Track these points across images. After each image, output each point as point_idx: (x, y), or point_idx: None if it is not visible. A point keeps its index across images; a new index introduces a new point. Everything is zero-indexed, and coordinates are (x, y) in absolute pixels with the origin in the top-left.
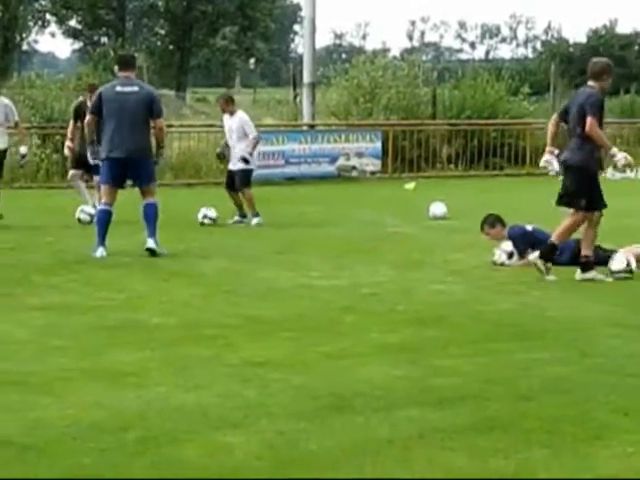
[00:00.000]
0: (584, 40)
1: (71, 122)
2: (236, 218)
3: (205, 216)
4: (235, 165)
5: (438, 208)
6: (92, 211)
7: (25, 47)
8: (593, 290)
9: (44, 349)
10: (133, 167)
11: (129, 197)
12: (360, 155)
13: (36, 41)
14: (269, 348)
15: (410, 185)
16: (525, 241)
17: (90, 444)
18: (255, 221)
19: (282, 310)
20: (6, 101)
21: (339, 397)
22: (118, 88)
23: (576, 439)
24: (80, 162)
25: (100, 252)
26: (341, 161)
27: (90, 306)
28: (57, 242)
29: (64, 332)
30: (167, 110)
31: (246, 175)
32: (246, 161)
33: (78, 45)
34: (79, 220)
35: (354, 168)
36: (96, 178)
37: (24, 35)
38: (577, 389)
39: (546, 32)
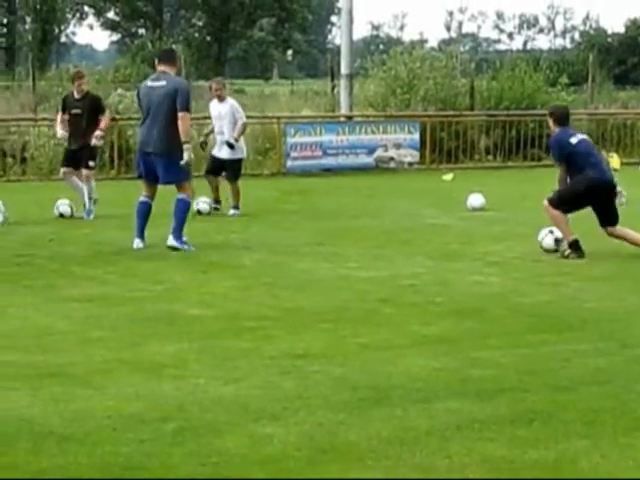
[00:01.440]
0: (622, 30)
1: (59, 113)
2: (213, 205)
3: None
4: (220, 151)
5: (476, 199)
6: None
7: (63, 39)
8: (633, 280)
9: (84, 340)
10: (158, 162)
11: (169, 189)
12: (398, 146)
13: (74, 33)
14: (308, 340)
15: (448, 176)
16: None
17: (129, 435)
18: (232, 212)
19: (321, 302)
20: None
21: (378, 389)
22: (149, 82)
23: (616, 430)
24: (69, 158)
25: (137, 243)
26: (379, 152)
27: (129, 297)
28: (95, 234)
29: (104, 323)
30: (204, 102)
31: (239, 166)
32: (231, 146)
33: (116, 37)
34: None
35: (392, 159)
36: (85, 172)
37: (62, 27)
38: (617, 380)
39: (584, 22)
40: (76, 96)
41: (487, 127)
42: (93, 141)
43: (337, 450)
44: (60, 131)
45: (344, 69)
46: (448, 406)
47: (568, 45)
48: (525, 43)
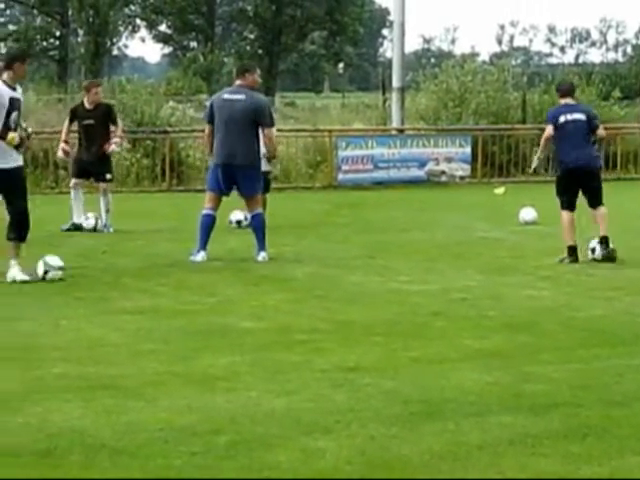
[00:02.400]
0: None
1: (66, 122)
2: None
3: (232, 221)
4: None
5: (528, 213)
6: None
7: (115, 52)
8: None
9: (136, 353)
10: (236, 175)
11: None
12: (449, 160)
13: (126, 46)
14: (359, 353)
15: (500, 190)
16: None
17: (181, 447)
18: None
19: (372, 315)
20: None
21: (430, 402)
22: (226, 95)
23: None
24: (82, 169)
25: (201, 256)
26: (430, 166)
27: (181, 310)
28: (147, 246)
29: (156, 336)
30: None
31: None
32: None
33: (168, 50)
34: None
35: (443, 173)
36: (102, 185)
37: (115, 40)
38: None
39: (637, 36)
40: (88, 106)
41: (539, 141)
42: (112, 147)
43: (389, 465)
44: (60, 153)
45: (396, 82)
46: (501, 421)
47: (620, 59)
48: (577, 57)
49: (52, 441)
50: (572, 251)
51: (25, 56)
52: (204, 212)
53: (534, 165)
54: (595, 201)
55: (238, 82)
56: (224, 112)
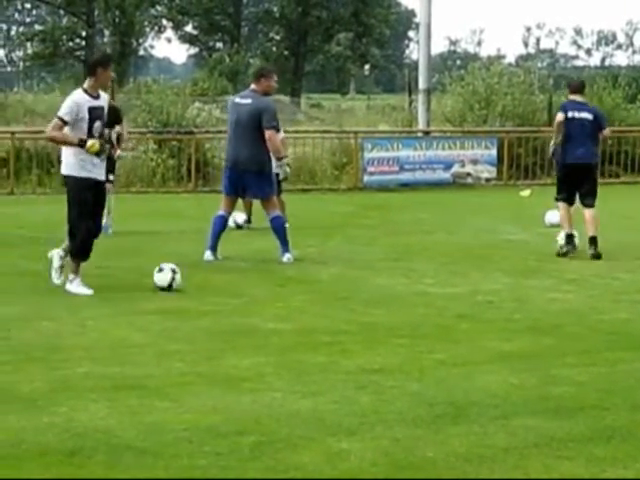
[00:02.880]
0: None
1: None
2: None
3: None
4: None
5: (554, 216)
6: None
7: (141, 52)
8: None
9: (161, 353)
10: (244, 178)
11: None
12: (475, 162)
13: (152, 46)
14: (384, 355)
15: (525, 192)
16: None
17: (206, 448)
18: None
19: (397, 317)
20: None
21: (455, 405)
22: (237, 99)
23: None
24: None
25: (207, 256)
26: (456, 168)
27: (205, 311)
28: (173, 246)
29: (180, 336)
30: (282, 115)
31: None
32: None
33: (193, 51)
34: None
35: (469, 175)
36: (106, 185)
37: (140, 41)
38: None
39: None
40: None
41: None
42: (118, 152)
43: (414, 466)
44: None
45: (422, 84)
46: (526, 423)
47: None
48: (603, 59)
49: (77, 441)
50: (570, 239)
51: (107, 61)
52: (218, 213)
53: (551, 150)
54: (589, 200)
55: (252, 86)
56: (233, 116)
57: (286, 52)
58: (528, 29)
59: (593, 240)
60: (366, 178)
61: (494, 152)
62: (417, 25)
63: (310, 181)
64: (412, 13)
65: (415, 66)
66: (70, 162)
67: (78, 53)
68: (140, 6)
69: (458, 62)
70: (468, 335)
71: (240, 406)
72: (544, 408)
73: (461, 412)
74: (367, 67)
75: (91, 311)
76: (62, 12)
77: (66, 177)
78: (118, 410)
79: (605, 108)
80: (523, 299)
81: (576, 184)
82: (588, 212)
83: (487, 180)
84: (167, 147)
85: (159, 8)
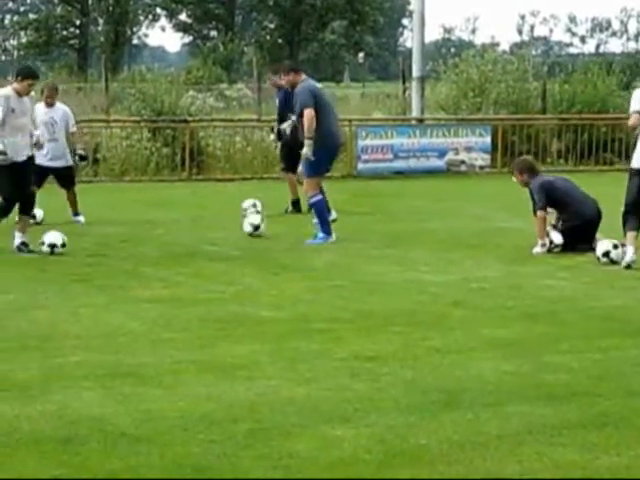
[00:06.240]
0: None
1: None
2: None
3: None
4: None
5: None
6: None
7: (135, 41)
8: None
9: (155, 341)
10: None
11: (240, 190)
12: (469, 149)
13: (146, 35)
14: (378, 342)
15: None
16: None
17: (200, 435)
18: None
19: (391, 304)
20: (66, 108)
21: (448, 392)
22: (316, 85)
23: None
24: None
25: (334, 237)
26: (450, 155)
27: (200, 299)
28: (166, 235)
29: (175, 324)
30: (276, 104)
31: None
32: (83, 158)
33: (188, 39)
34: None
35: (463, 162)
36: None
37: (134, 29)
38: None
39: None
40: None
41: (559, 131)
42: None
43: (408, 454)
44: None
45: (416, 72)
46: (519, 410)
47: None
48: (597, 46)
49: (72, 429)
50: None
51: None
52: (316, 197)
53: None
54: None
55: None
56: (322, 99)
57: (280, 40)
58: (522, 17)
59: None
60: (360, 166)
61: (488, 140)
62: (411, 13)
63: None
64: (406, 1)
65: (409, 54)
66: None
67: (72, 42)
68: None
69: (452, 50)
70: (462, 322)
71: (234, 394)
72: (537, 395)
73: (455, 399)
74: (361, 55)
75: (85, 299)
76: (56, 1)
77: None
78: (112, 398)
79: (599, 95)
80: (517, 286)
81: None
82: None
83: (481, 168)
84: (161, 136)
85: None
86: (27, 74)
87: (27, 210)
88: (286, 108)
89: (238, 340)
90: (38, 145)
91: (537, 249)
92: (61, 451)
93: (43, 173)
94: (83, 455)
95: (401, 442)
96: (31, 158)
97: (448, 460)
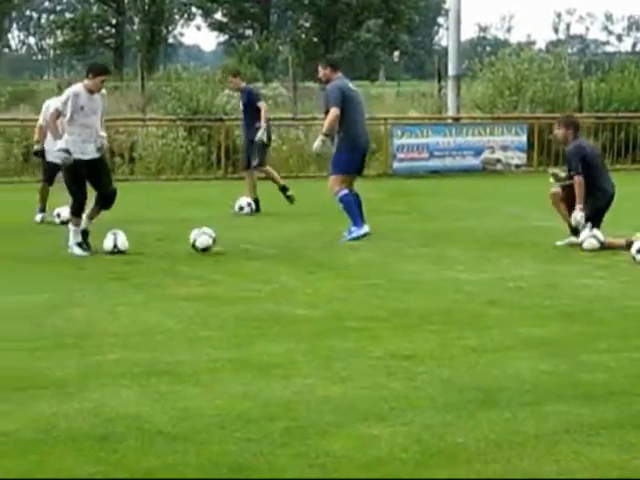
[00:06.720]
0: None
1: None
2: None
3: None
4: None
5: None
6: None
7: (171, 40)
8: None
9: (192, 339)
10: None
11: (272, 189)
12: (505, 148)
13: (182, 34)
14: (414, 341)
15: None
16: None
17: (237, 434)
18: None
19: (427, 303)
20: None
21: (485, 391)
22: (348, 85)
23: None
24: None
25: (366, 229)
26: (486, 154)
27: (236, 297)
28: None
29: (212, 322)
30: (312, 103)
31: None
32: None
33: (223, 38)
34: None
35: (499, 161)
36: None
37: (170, 28)
38: None
39: None
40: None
41: (595, 129)
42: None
43: (444, 453)
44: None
45: (451, 71)
46: (557, 409)
47: None
48: (634, 45)
49: (109, 426)
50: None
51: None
52: (342, 192)
53: None
54: None
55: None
56: (356, 98)
57: (315, 39)
58: (558, 15)
59: None
60: (395, 165)
61: (524, 138)
62: (447, 11)
63: None
64: None
65: (445, 52)
66: None
67: (108, 41)
68: None
69: (488, 48)
70: (498, 321)
71: (270, 392)
72: (575, 394)
73: (492, 398)
74: (396, 54)
75: (122, 297)
76: (92, 0)
77: None
78: (149, 396)
79: (636, 94)
80: (554, 285)
81: None
82: None
83: (517, 166)
84: (197, 134)
85: None
86: (100, 70)
87: (106, 206)
88: (250, 109)
89: (274, 338)
90: (101, 150)
91: (578, 215)
92: (98, 449)
93: (53, 170)
94: (120, 453)
95: (438, 441)
96: (102, 157)
97: (485, 459)
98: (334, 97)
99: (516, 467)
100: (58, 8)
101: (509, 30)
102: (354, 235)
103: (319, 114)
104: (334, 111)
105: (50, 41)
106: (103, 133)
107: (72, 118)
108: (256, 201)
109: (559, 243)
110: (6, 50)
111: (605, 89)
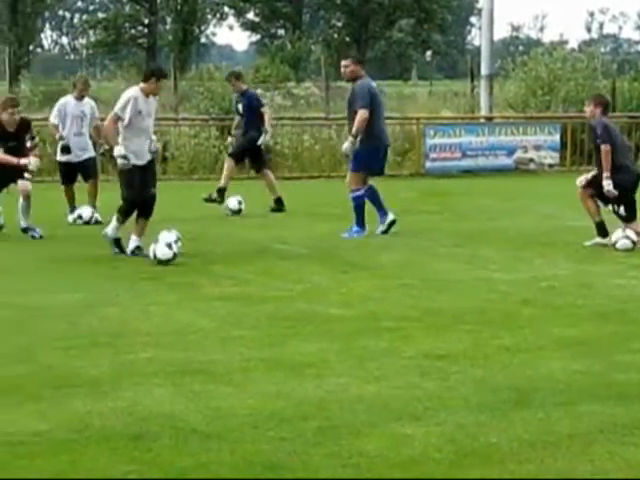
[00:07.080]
0: None
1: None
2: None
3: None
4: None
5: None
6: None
7: (203, 40)
8: None
9: (225, 339)
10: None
11: (304, 189)
12: (538, 148)
13: (214, 34)
14: (448, 341)
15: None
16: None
17: (270, 433)
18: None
19: (460, 303)
20: (93, 102)
21: (519, 391)
22: (373, 84)
23: None
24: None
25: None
26: (519, 154)
27: (269, 296)
28: (236, 233)
29: (244, 322)
30: (344, 103)
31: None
32: (103, 154)
33: (255, 38)
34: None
35: (532, 161)
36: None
37: (202, 28)
38: None
39: None
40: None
41: (628, 129)
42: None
43: (478, 453)
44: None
45: (484, 70)
46: (591, 409)
47: None
48: None
49: (142, 425)
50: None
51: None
52: (359, 191)
53: None
54: None
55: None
56: (378, 97)
57: (348, 39)
58: (591, 14)
59: None
60: (428, 164)
61: (557, 138)
62: (479, 11)
63: None
64: None
65: (477, 52)
66: None
67: (140, 41)
68: None
69: (520, 48)
70: (532, 321)
71: (303, 391)
72: (609, 394)
73: (525, 398)
74: (429, 53)
75: (155, 297)
76: (125, 0)
77: None
78: (183, 395)
79: None
80: (587, 285)
81: None
82: None
83: (550, 166)
84: (229, 134)
85: None
86: (163, 74)
87: (146, 214)
88: (252, 114)
89: (307, 338)
90: (155, 153)
91: (607, 184)
92: (132, 447)
93: (70, 170)
94: (154, 452)
95: (471, 441)
96: (152, 160)
97: (519, 459)
98: (364, 98)
99: (550, 467)
100: (91, 8)
101: (542, 29)
102: (354, 235)
103: None
104: (364, 113)
105: (83, 41)
106: (154, 136)
107: (130, 122)
108: (279, 200)
109: (587, 244)
110: (39, 50)
111: (638, 88)
